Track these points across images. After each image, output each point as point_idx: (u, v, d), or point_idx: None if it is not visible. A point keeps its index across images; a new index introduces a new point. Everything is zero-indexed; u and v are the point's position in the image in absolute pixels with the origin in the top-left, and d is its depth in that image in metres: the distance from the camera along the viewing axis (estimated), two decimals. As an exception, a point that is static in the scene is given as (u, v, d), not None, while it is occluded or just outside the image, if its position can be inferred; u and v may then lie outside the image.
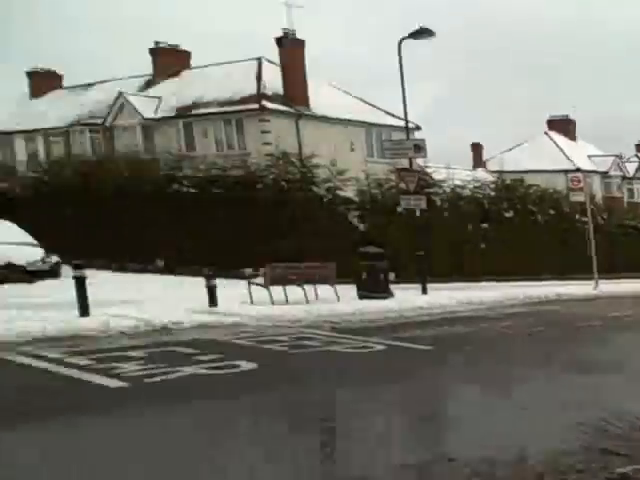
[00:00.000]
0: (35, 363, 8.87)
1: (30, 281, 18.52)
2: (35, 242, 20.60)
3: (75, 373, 8.24)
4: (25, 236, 20.68)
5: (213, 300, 14.37)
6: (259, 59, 33.23)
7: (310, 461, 5.43)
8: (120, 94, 33.01)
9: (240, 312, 13.72)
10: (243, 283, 16.79)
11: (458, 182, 28.14)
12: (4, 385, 7.89)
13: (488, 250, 26.24)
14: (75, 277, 12.74)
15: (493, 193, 28.83)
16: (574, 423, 6.45)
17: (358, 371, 9.27)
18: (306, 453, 5.66)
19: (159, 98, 33.31)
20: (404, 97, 20.04)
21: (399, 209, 21.33)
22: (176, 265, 23.20)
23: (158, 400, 7.13)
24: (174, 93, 33.34)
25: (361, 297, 16.96)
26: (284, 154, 25.17)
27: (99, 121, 33.67)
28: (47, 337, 10.72)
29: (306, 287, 16.27)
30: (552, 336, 13.16)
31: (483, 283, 23.13)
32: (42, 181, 27.09)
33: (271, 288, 15.68)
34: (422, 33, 19.39)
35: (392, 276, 18.65)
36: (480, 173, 40.40)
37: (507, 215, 28.09)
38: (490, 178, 33.63)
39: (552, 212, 29.35)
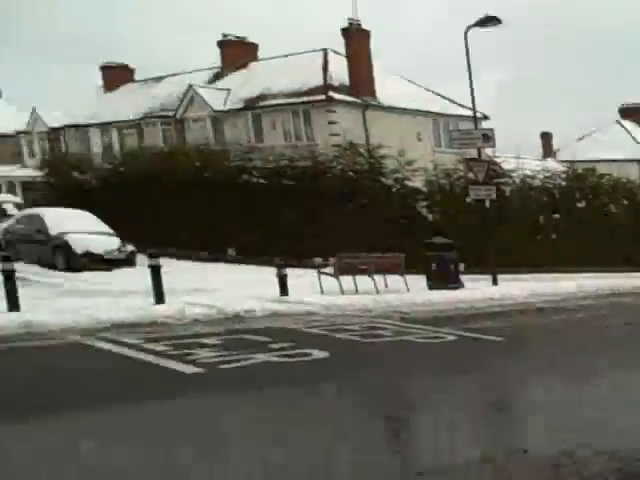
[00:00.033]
0: (115, 349, 9.14)
1: (107, 269, 18.93)
2: (112, 232, 21.01)
3: (153, 359, 8.44)
4: (102, 226, 21.12)
5: (284, 289, 14.52)
6: (325, 50, 33.28)
7: (383, 452, 5.43)
8: (190, 87, 33.53)
9: (310, 301, 13.81)
10: (313, 272, 16.92)
11: (528, 172, 27.65)
12: (85, 369, 8.16)
13: (559, 241, 25.73)
14: (150, 266, 13.00)
15: (564, 183, 28.21)
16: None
17: (430, 361, 9.27)
18: (378, 444, 5.68)
19: (228, 90, 33.71)
20: (471, 86, 19.74)
21: (468, 199, 21.08)
22: (247, 254, 23.42)
23: (232, 386, 7.28)
24: (242, 85, 33.70)
25: (431, 287, 16.90)
26: (351, 145, 25.16)
27: (170, 113, 34.27)
28: (125, 323, 11.04)
29: (376, 277, 16.29)
30: (628, 329, 12.86)
31: (555, 274, 22.71)
32: (117, 172, 27.76)
33: (341, 278, 15.76)
34: (489, 21, 19.09)
35: (462, 267, 18.48)
36: (550, 163, 39.65)
37: (579, 205, 27.47)
38: (560, 168, 32.94)
39: (625, 202, 28.58)
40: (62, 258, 19.53)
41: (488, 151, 23.35)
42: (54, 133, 40.84)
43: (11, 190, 40.99)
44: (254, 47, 37.15)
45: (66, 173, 29.40)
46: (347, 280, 15.84)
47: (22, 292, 12.06)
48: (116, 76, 41.37)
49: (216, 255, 24.00)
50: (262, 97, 32.36)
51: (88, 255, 19.36)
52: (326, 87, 30.78)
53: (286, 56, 34.25)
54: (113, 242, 20.35)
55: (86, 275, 18.02)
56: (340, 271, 15.88)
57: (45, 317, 10.95)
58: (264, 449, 5.31)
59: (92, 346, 9.40)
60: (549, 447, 5.41)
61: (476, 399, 7.50)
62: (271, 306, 13.01)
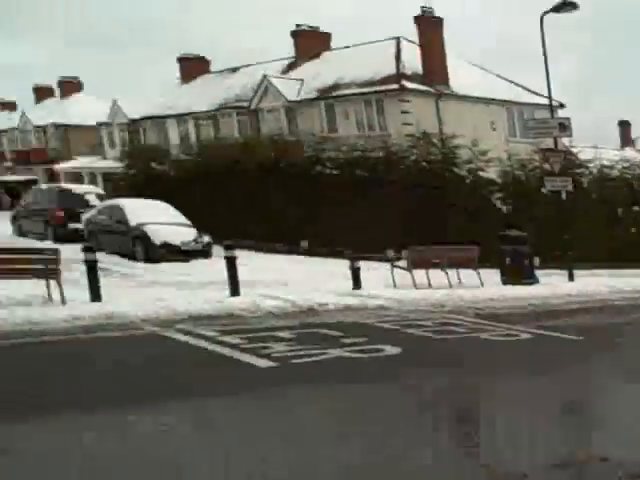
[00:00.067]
0: (191, 340, 9.35)
1: (184, 260, 19.17)
2: (188, 223, 21.26)
3: (227, 351, 8.62)
4: (179, 217, 21.41)
5: (357, 283, 14.56)
6: (397, 39, 32.95)
7: (456, 454, 5.41)
8: (264, 77, 33.73)
9: (383, 295, 13.82)
10: (385, 265, 16.92)
11: (605, 162, 26.91)
12: (164, 361, 8.42)
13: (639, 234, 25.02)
14: (226, 257, 13.22)
15: (644, 173, 27.36)
16: None
17: (504, 360, 9.16)
18: (452, 445, 5.68)
19: (301, 80, 33.81)
20: (547, 73, 19.34)
21: (544, 191, 20.68)
22: (319, 246, 23.53)
23: (306, 381, 7.36)
24: (315, 75, 33.75)
25: (505, 283, 16.68)
26: (425, 134, 24.94)
27: (245, 104, 34.58)
28: (201, 315, 11.29)
29: (449, 271, 16.19)
30: None
31: (634, 270, 22.06)
32: (193, 163, 28.27)
33: (414, 271, 15.72)
34: (565, 6, 18.64)
35: (537, 261, 18.13)
36: (629, 152, 38.36)
37: (660, 197, 26.61)
38: None
39: None
40: (141, 249, 19.87)
41: (564, 141, 22.79)
42: (133, 124, 41.76)
43: (93, 181, 42.17)
44: (327, 37, 37.13)
45: (145, 164, 30.12)
46: (420, 274, 15.79)
47: (103, 282, 12.46)
48: (193, 67, 42.09)
49: (289, 247, 24.19)
50: (335, 87, 32.34)
51: (166, 246, 19.61)
52: (399, 76, 30.52)
53: (359, 45, 34.14)
54: (190, 233, 20.57)
55: (164, 266, 18.38)
56: (413, 264, 15.84)
57: (125, 308, 11.29)
58: (340, 447, 5.35)
59: (170, 337, 9.65)
60: (630, 456, 5.29)
61: (554, 402, 7.35)
62: (344, 300, 13.07)
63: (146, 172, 29.64)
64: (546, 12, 18.78)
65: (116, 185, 32.71)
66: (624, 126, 50.84)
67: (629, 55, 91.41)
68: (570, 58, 78.31)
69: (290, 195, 24.42)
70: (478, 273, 16.40)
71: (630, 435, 6.04)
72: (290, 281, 15.88)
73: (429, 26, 31.42)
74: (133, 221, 20.42)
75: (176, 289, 14.05)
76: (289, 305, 12.21)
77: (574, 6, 18.61)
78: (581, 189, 23.80)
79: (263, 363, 7.99)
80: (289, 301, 12.39)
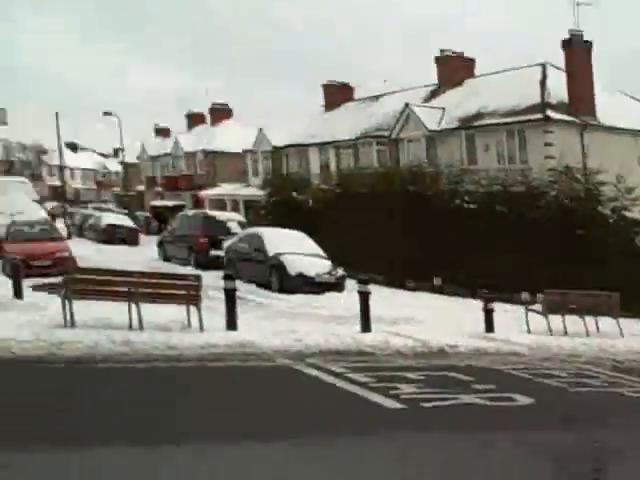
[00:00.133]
0: (321, 376, 9.48)
1: (318, 292, 19.23)
2: (324, 254, 21.36)
3: (356, 390, 8.67)
4: (316, 248, 21.60)
5: (490, 325, 14.29)
6: (543, 65, 31.70)
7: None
8: (406, 106, 33.56)
9: (516, 340, 13.49)
10: (519, 308, 16.50)
11: None
12: (295, 396, 8.61)
13: None
14: (360, 292, 13.32)
15: None
16: None
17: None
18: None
19: (443, 109, 33.47)
20: None
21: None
22: (453, 284, 23.13)
23: (434, 426, 7.30)
24: (457, 103, 33.32)
25: (648, 333, 15.81)
26: (567, 169, 23.95)
27: (385, 133, 34.64)
28: (332, 350, 11.44)
29: (586, 318, 15.53)
30: None
31: None
32: (331, 193, 28.60)
33: (549, 317, 15.21)
34: None
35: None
36: None
37: None
38: None
39: None
40: (277, 278, 20.12)
41: None
42: (277, 152, 42.73)
43: (235, 208, 43.41)
44: (471, 63, 36.55)
45: (286, 193, 30.78)
46: (556, 319, 15.25)
47: (239, 311, 12.84)
48: (337, 95, 42.78)
49: (421, 284, 23.90)
50: (477, 116, 31.77)
51: (301, 277, 19.75)
52: (543, 105, 29.42)
53: (503, 72, 33.41)
54: (325, 265, 20.62)
55: (297, 297, 18.61)
56: (549, 309, 15.31)
57: (259, 338, 11.61)
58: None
59: (301, 371, 9.83)
60: None
61: None
62: (475, 342, 12.88)
63: (287, 201, 30.26)
64: None
65: (257, 213, 33.62)
66: None
67: None
68: None
69: (427, 229, 24.17)
70: (618, 322, 15.61)
71: None
72: (421, 319, 15.79)
73: (577, 51, 29.92)
74: (271, 251, 20.71)
75: (308, 321, 14.30)
76: (419, 345, 12.15)
77: None
78: None
79: (391, 404, 7.98)
80: (419, 340, 12.33)
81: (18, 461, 5.55)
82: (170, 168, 59.83)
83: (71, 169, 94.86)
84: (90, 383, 8.79)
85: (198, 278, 12.84)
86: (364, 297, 13.21)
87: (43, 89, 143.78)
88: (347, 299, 17.31)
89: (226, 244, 23.53)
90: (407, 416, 7.68)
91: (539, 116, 28.97)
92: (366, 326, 12.91)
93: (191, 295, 12.50)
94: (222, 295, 13.17)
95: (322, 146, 39.24)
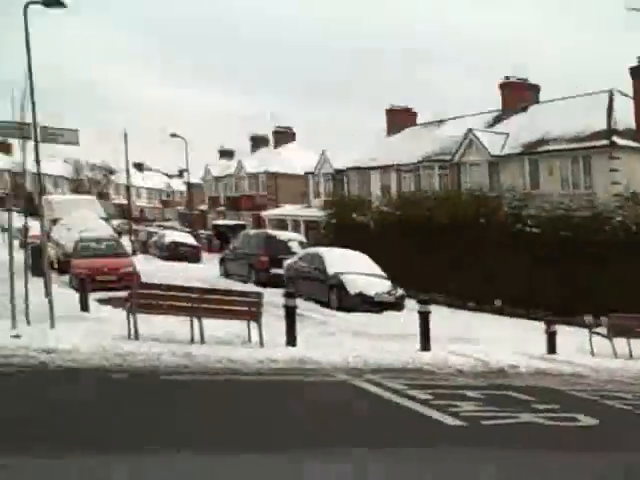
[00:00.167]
0: (380, 392, 9.50)
1: (377, 311, 19.29)
2: (384, 274, 21.47)
3: (416, 406, 8.66)
4: (375, 268, 21.70)
5: (552, 347, 14.11)
6: (610, 91, 31.45)
7: None
8: (469, 131, 33.54)
9: (579, 362, 13.30)
10: (582, 331, 16.22)
11: None
12: (353, 411, 8.62)
13: None
14: (420, 312, 13.37)
15: None
16: None
17: None
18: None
19: (506, 134, 33.33)
20: None
21: None
22: (514, 306, 22.97)
23: (495, 443, 7.22)
24: (521, 129, 33.12)
25: None
26: (634, 194, 23.62)
27: (447, 157, 34.60)
28: (390, 367, 11.47)
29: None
30: None
31: None
32: (392, 215, 28.70)
33: (614, 340, 14.95)
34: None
35: None
36: None
37: None
38: None
39: None
40: (336, 297, 20.30)
41: None
42: (338, 175, 43.14)
43: (296, 228, 44.00)
44: (536, 89, 36.42)
45: (346, 214, 31.01)
46: (620, 342, 14.97)
47: (298, 327, 12.96)
48: (399, 119, 43.04)
49: (481, 305, 23.81)
50: (541, 142, 31.54)
51: (360, 296, 19.87)
52: (610, 131, 29.14)
53: (568, 98, 33.17)
54: (384, 285, 20.70)
55: (356, 315, 18.68)
56: (613, 332, 15.05)
57: (318, 354, 11.72)
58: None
59: (359, 387, 9.86)
60: None
61: None
62: (536, 363, 12.74)
63: (347, 222, 30.47)
64: None
65: (318, 233, 33.88)
66: None
67: None
68: None
69: (486, 252, 24.04)
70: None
71: None
72: (481, 339, 15.67)
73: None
74: (331, 270, 20.95)
75: (367, 339, 14.32)
76: (479, 364, 12.09)
77: None
78: None
79: (451, 421, 7.94)
80: (479, 360, 12.26)
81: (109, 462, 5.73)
82: (233, 188, 61.04)
83: (137, 188, 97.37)
84: (154, 393, 9.03)
85: (259, 295, 13.09)
86: (424, 316, 13.25)
87: (113, 110, 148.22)
88: (406, 318, 17.35)
89: (287, 263, 23.84)
90: (467, 433, 7.63)
91: (605, 142, 28.66)
92: (425, 344, 12.90)
93: (252, 311, 12.73)
94: (281, 312, 13.34)
95: (383, 169, 39.43)
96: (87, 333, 11.98)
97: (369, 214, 30.64)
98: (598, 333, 15.47)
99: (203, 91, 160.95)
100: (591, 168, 29.33)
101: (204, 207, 66.92)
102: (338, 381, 10.34)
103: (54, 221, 28.74)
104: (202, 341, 12.14)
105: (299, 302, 14.57)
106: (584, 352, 14.78)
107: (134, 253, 34.80)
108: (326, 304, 20.43)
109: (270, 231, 32.01)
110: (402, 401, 8.98)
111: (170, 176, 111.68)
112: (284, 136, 59.73)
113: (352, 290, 20.00)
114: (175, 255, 38.13)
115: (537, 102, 35.79)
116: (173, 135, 52.02)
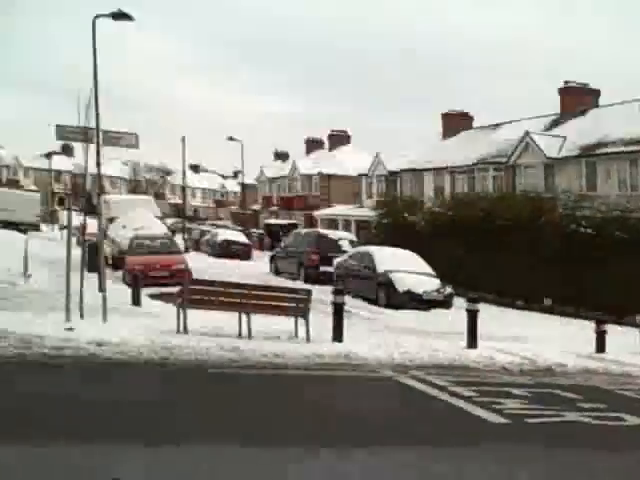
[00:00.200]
0: (425, 388, 9.50)
1: (425, 309, 19.44)
2: (433, 273, 21.59)
3: (459, 403, 8.65)
4: (425, 267, 21.82)
5: (601, 346, 13.89)
6: (671, 95, 31.07)
7: None
8: (526, 133, 33.34)
9: (629, 362, 13.00)
10: (634, 331, 15.91)
11: None
12: (398, 406, 8.70)
13: None
14: (468, 310, 13.30)
15: None
16: None
17: None
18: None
19: (564, 137, 32.96)
20: None
21: None
22: (563, 305, 22.74)
23: (538, 441, 7.16)
24: (579, 132, 32.70)
25: None
26: (690, 196, 23.10)
27: (503, 160, 34.41)
28: (436, 364, 11.43)
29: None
30: None
31: None
32: (444, 216, 28.58)
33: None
34: None
35: None
36: None
37: None
38: None
39: None
40: (384, 294, 20.45)
41: None
42: (391, 176, 43.27)
43: (347, 227, 44.31)
44: (595, 93, 36.02)
45: (398, 214, 31.03)
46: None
47: (345, 324, 12.99)
48: (455, 123, 43.18)
49: (530, 304, 23.64)
50: (599, 145, 31.06)
51: (408, 294, 20.02)
52: (669, 135, 28.62)
53: (627, 103, 32.67)
54: (433, 283, 20.80)
55: (404, 312, 18.76)
56: (666, 333, 14.73)
57: (364, 350, 11.74)
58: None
59: (404, 383, 9.86)
60: None
61: None
62: (584, 362, 12.54)
63: (399, 222, 30.47)
64: None
65: (369, 233, 33.94)
66: None
67: None
68: None
69: (538, 251, 23.77)
70: None
71: None
72: (528, 338, 15.50)
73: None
74: (380, 268, 21.11)
75: (413, 336, 14.28)
76: (526, 362, 11.95)
77: None
78: None
79: (495, 419, 7.91)
80: (526, 358, 12.13)
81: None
82: (286, 189, 61.81)
83: (192, 189, 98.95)
84: (200, 385, 9.24)
85: (308, 292, 13.21)
86: (472, 314, 13.19)
87: (170, 114, 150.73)
88: (454, 316, 17.30)
89: (337, 261, 24.03)
90: (511, 431, 7.59)
91: (664, 145, 28.08)
92: (472, 342, 12.84)
93: (299, 307, 12.83)
94: (329, 309, 13.41)
95: (437, 171, 39.38)
96: (137, 327, 12.22)
97: (420, 214, 30.59)
98: (650, 333, 15.16)
99: (257, 94, 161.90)
100: (649, 171, 28.79)
101: (257, 207, 67.69)
102: (383, 377, 10.35)
103: (111, 220, 29.46)
104: (250, 336, 12.30)
105: (347, 299, 14.66)
106: (634, 352, 14.45)
107: (187, 250, 35.39)
108: (374, 301, 20.58)
109: (321, 230, 32.24)
110: (446, 397, 8.97)
111: (225, 177, 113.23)
112: (339, 138, 61.01)
113: (400, 288, 20.14)
114: (227, 253, 38.65)
115: (596, 106, 35.29)
116: (230, 139, 52.80)
